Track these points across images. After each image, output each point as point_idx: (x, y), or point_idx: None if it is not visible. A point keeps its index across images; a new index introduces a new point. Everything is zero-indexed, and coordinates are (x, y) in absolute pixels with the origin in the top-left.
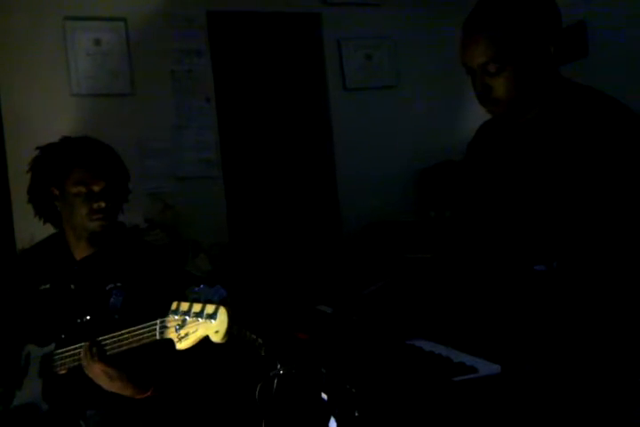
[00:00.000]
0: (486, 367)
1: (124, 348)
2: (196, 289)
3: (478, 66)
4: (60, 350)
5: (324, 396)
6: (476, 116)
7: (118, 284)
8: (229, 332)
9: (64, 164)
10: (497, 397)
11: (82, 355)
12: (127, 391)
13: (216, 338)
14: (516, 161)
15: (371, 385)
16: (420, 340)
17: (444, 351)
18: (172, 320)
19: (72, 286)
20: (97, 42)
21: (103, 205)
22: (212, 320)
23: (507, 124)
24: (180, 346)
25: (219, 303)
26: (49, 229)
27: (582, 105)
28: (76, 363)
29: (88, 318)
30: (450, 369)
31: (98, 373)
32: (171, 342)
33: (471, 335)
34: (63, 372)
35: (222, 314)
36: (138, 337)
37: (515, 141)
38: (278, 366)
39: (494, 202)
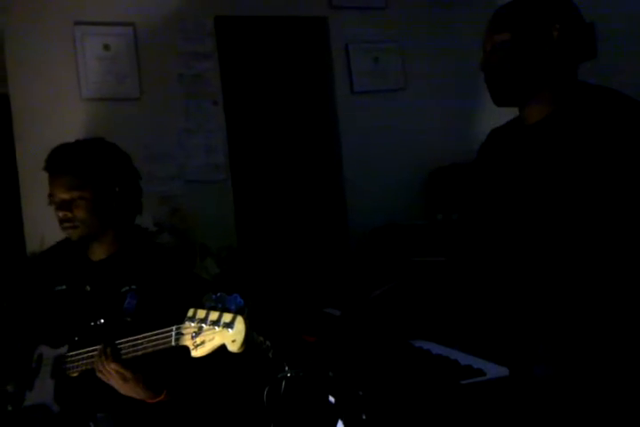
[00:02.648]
0: (494, 370)
1: (140, 353)
2: (213, 297)
3: (486, 42)
4: (73, 353)
5: (332, 399)
6: (484, 118)
7: (133, 286)
8: (247, 341)
9: (47, 171)
10: (505, 399)
11: (96, 356)
12: (140, 394)
13: (233, 347)
14: (528, 163)
15: (378, 388)
16: (428, 342)
17: (452, 354)
18: (189, 327)
19: (88, 288)
20: (106, 46)
21: (61, 215)
22: (230, 329)
23: (517, 128)
24: (196, 354)
25: (236, 312)
26: (59, 231)
27: (601, 105)
28: (89, 366)
29: (102, 321)
30: (457, 372)
31: (112, 374)
32: (186, 349)
33: (479, 338)
34: (75, 375)
35: (240, 323)
36: (153, 343)
37: (526, 144)
38: (286, 369)
39: (504, 205)
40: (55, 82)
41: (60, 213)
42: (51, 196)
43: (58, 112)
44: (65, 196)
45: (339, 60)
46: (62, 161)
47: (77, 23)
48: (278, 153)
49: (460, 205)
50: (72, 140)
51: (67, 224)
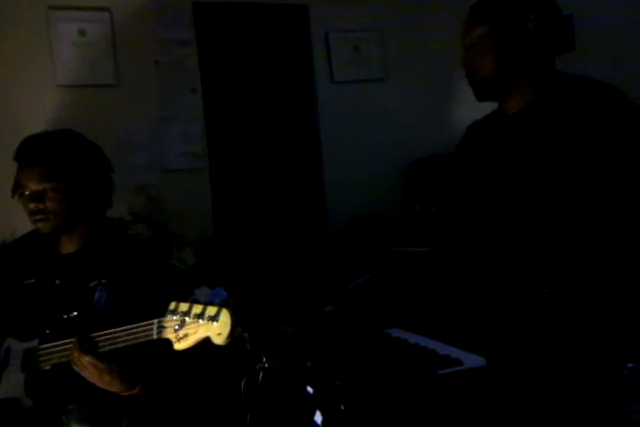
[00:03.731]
0: (471, 360)
1: (120, 345)
2: (197, 290)
3: (464, 39)
4: (45, 346)
5: (310, 389)
6: (465, 109)
7: (102, 280)
8: (232, 334)
9: (17, 161)
10: (482, 389)
11: (72, 349)
12: (115, 387)
13: (218, 340)
14: (509, 152)
15: (356, 378)
16: (406, 332)
17: (430, 344)
18: (171, 320)
19: (57, 282)
20: (81, 32)
21: (32, 206)
22: (215, 322)
23: (497, 119)
24: (179, 346)
25: (221, 305)
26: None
27: (579, 92)
28: (62, 359)
29: (75, 313)
30: (435, 362)
31: (87, 366)
32: (165, 342)
33: (457, 328)
34: (47, 368)
35: (225, 316)
36: (134, 335)
37: (507, 133)
38: (264, 360)
39: (486, 194)
40: (29, 68)
41: (32, 205)
42: (19, 187)
43: (32, 99)
44: (37, 187)
45: (319, 48)
46: (34, 152)
47: (51, 7)
48: (257, 142)
49: (438, 197)
50: (46, 127)
51: (38, 216)
